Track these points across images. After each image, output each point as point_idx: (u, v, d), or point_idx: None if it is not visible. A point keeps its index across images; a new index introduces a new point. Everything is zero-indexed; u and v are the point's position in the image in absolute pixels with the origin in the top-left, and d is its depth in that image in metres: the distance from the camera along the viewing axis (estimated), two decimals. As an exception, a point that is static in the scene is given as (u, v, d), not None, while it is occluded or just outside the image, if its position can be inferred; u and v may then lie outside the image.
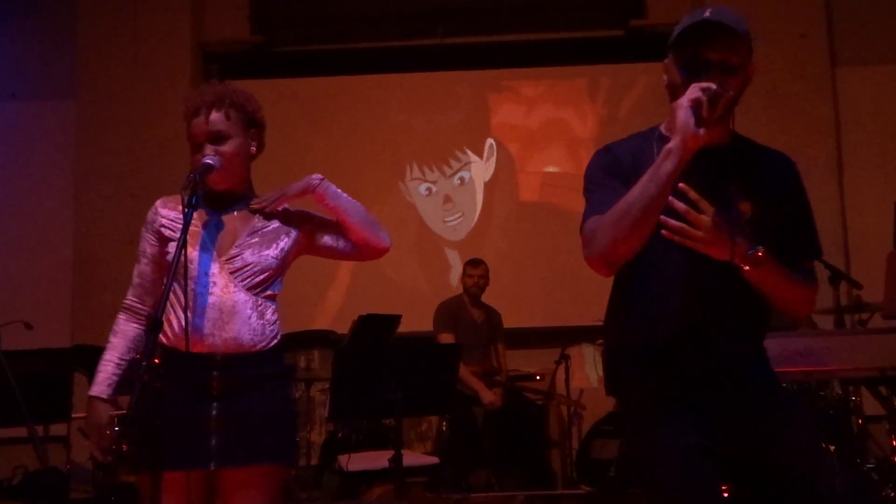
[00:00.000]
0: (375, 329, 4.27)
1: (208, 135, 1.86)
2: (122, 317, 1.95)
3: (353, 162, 5.58)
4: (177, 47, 5.49)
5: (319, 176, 1.98)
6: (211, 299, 1.82)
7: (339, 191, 1.99)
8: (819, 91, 5.10)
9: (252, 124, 1.96)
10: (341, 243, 2.00)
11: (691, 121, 1.45)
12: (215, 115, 1.87)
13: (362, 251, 2.01)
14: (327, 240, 2.00)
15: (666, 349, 1.60)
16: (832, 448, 3.46)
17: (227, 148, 1.88)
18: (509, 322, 4.89)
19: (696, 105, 1.45)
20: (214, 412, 1.80)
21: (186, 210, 1.75)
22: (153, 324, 1.64)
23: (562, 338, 4.91)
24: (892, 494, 3.41)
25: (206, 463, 1.78)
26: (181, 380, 1.80)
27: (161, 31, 5.48)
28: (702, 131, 1.45)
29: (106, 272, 5.12)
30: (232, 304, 1.82)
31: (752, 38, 1.56)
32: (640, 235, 1.51)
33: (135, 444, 1.68)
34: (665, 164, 1.47)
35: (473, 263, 4.70)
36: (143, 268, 1.94)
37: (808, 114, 5.10)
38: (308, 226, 1.99)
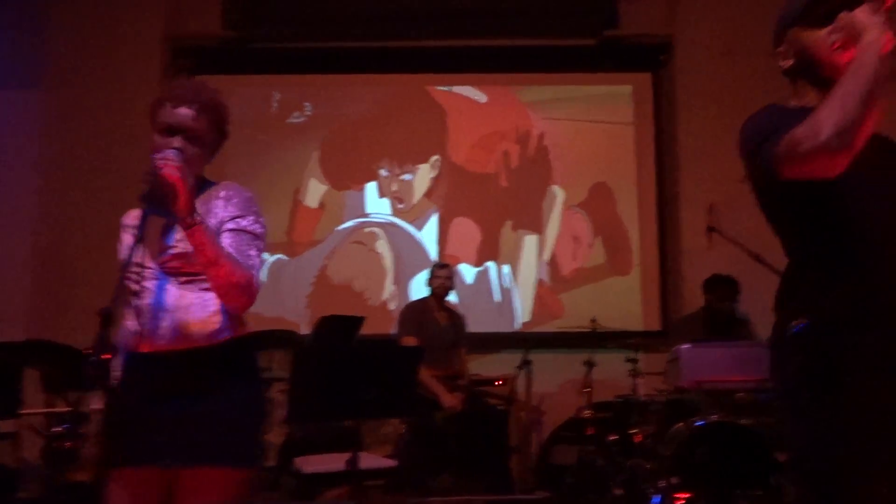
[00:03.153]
0: (338, 330, 4.24)
1: (186, 128, 1.85)
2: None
3: (323, 160, 5.57)
4: (148, 40, 5.42)
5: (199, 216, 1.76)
6: (156, 299, 1.80)
7: (211, 236, 1.78)
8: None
9: (220, 133, 1.96)
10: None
11: (877, 19, 1.44)
12: (199, 115, 1.87)
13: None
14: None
15: None
16: (785, 458, 3.53)
17: (195, 149, 1.87)
18: (472, 327, 4.91)
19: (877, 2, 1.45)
20: (172, 410, 1.77)
21: (144, 204, 1.72)
22: (106, 318, 1.61)
23: (524, 343, 4.94)
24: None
25: (160, 460, 1.76)
26: (137, 379, 1.78)
27: (132, 23, 5.40)
28: (881, 23, 1.43)
29: (68, 267, 5.04)
30: (174, 300, 1.81)
31: None
32: (869, 113, 1.38)
33: (96, 442, 1.64)
34: (865, 59, 1.41)
35: (440, 265, 4.71)
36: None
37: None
38: (217, 228, 1.88)
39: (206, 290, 1.85)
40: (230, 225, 1.86)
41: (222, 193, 1.91)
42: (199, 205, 1.89)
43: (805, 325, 1.47)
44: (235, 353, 1.87)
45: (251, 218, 1.89)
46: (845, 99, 1.39)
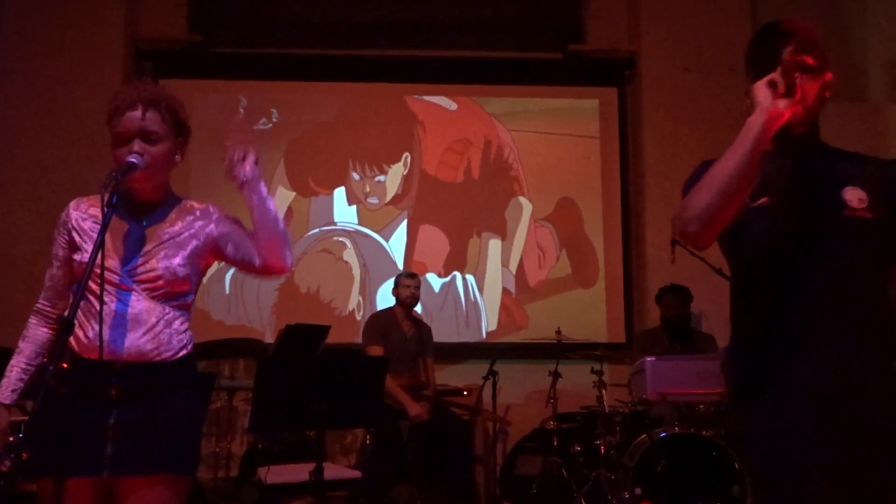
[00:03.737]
0: (303, 339, 4.21)
1: (141, 131, 1.82)
2: (32, 321, 1.91)
3: (289, 167, 5.52)
4: (108, 41, 5.32)
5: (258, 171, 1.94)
6: (116, 307, 1.76)
7: (268, 195, 1.94)
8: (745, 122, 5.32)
9: (181, 132, 1.92)
10: (241, 254, 1.93)
11: (769, 94, 1.55)
12: (151, 114, 1.83)
13: (263, 266, 1.92)
14: (230, 249, 1.93)
15: (817, 388, 1.57)
16: (746, 469, 3.58)
17: (156, 149, 1.83)
18: (438, 337, 4.90)
19: (771, 83, 1.56)
20: (112, 420, 1.75)
21: (106, 209, 1.69)
22: (63, 326, 1.58)
23: (490, 353, 4.95)
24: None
25: (100, 470, 1.73)
26: (82, 386, 1.75)
27: (92, 24, 5.30)
28: (781, 103, 1.54)
29: (19, 272, 4.91)
30: (137, 312, 1.78)
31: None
32: (729, 200, 1.54)
33: (35, 450, 1.61)
34: (748, 133, 1.55)
35: (408, 275, 4.69)
36: (54, 271, 1.90)
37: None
38: (218, 232, 1.93)
39: (175, 306, 1.84)
40: (225, 224, 1.94)
41: (197, 209, 1.94)
42: (174, 217, 1.87)
43: (730, 345, 1.71)
44: (187, 366, 1.87)
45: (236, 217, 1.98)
46: (713, 180, 1.55)
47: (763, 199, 1.64)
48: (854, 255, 1.60)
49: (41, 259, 4.82)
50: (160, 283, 1.81)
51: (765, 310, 1.64)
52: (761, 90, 1.56)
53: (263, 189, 1.93)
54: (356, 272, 5.48)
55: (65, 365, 1.50)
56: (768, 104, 1.55)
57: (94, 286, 1.76)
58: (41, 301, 1.90)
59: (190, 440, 1.85)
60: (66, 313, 1.65)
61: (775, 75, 1.56)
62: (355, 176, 5.56)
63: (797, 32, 1.67)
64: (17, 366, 1.85)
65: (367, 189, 5.56)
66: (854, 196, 1.62)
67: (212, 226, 1.93)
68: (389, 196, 5.56)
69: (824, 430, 1.53)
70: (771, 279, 1.64)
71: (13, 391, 1.83)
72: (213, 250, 1.93)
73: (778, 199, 1.64)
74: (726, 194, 1.53)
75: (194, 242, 1.89)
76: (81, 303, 1.74)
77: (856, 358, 1.57)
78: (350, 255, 5.50)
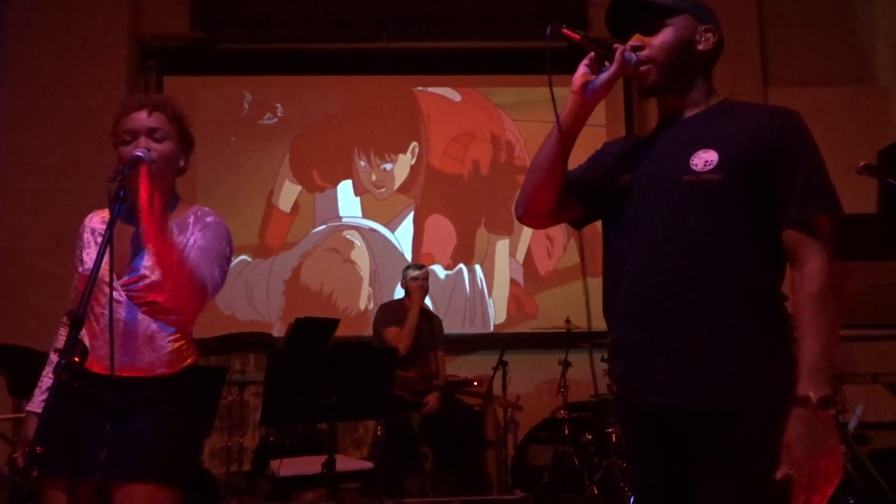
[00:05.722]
0: (312, 332, 4.22)
1: (147, 129, 1.83)
2: (61, 332, 1.95)
3: (294, 161, 5.53)
4: (113, 40, 5.32)
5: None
6: (114, 319, 1.76)
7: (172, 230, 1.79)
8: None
9: (185, 139, 1.93)
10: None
11: (578, 74, 1.61)
12: (158, 115, 1.85)
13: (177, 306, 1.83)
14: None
15: (620, 374, 1.57)
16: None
17: (162, 147, 1.84)
18: (447, 328, 4.90)
19: (590, 63, 1.62)
20: (108, 427, 1.79)
21: (113, 204, 1.68)
22: (74, 320, 1.58)
23: (500, 344, 4.95)
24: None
25: (93, 474, 1.77)
26: (82, 394, 1.77)
27: (97, 22, 5.31)
28: (579, 74, 1.60)
29: (31, 270, 4.93)
30: (134, 327, 1.79)
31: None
32: (544, 179, 1.61)
33: (47, 448, 1.63)
34: (561, 113, 1.60)
35: (416, 266, 4.70)
36: (75, 282, 1.94)
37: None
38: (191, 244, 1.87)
39: (174, 321, 1.84)
40: (200, 243, 1.85)
41: (198, 216, 1.91)
42: (172, 221, 1.86)
43: None
44: (185, 380, 1.87)
45: (223, 241, 1.89)
46: (531, 164, 1.65)
47: (625, 177, 1.60)
48: (701, 221, 1.45)
49: (49, 258, 4.85)
50: (156, 298, 1.81)
51: (606, 288, 1.61)
52: (577, 70, 1.59)
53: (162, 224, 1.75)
54: (364, 265, 5.48)
55: (76, 359, 1.51)
56: (574, 81, 1.58)
57: (98, 296, 1.78)
58: (68, 312, 1.91)
59: (179, 451, 1.85)
60: (77, 308, 1.65)
61: (588, 58, 1.60)
62: (362, 164, 5.55)
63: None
64: (47, 375, 1.88)
65: (374, 178, 5.56)
66: (701, 159, 1.48)
67: (191, 234, 1.89)
68: (397, 184, 5.56)
69: (627, 412, 1.57)
70: (614, 255, 1.58)
71: (43, 401, 1.86)
72: None
73: (634, 173, 1.58)
74: (537, 177, 1.60)
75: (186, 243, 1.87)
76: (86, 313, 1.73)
77: (670, 332, 1.45)
78: (358, 248, 5.50)
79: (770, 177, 1.45)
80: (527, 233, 5.53)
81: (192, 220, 1.90)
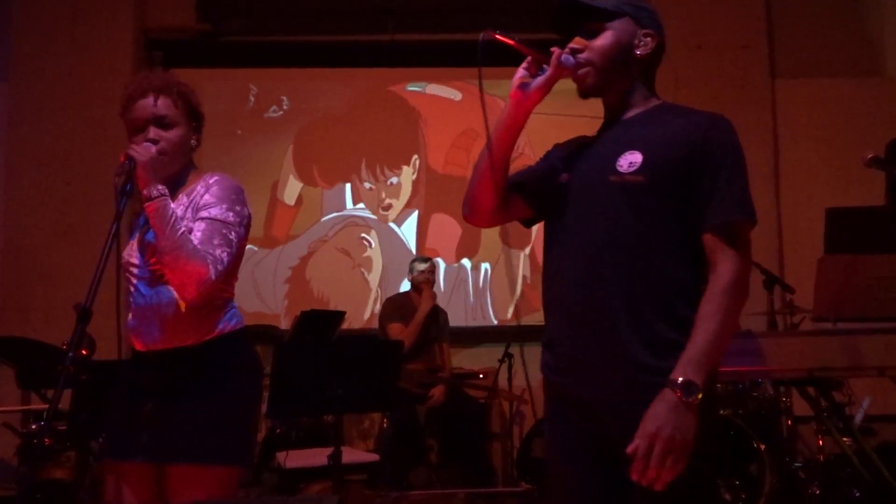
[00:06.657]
0: (318, 325, 4.23)
1: (155, 118, 1.82)
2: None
3: (297, 157, 5.53)
4: (118, 32, 5.32)
5: (162, 190, 1.76)
6: (139, 297, 1.79)
7: (171, 217, 1.74)
8: (759, 101, 5.25)
9: (195, 117, 1.92)
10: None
11: (516, 77, 1.66)
12: (164, 101, 1.83)
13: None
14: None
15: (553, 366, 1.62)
16: (763, 447, 3.58)
17: (171, 134, 1.84)
18: (453, 321, 4.90)
19: (529, 66, 1.66)
20: (149, 408, 1.77)
21: (120, 198, 1.70)
22: (81, 314, 1.59)
23: (505, 336, 4.94)
24: (818, 492, 3.54)
25: (135, 456, 1.76)
26: (131, 376, 1.79)
27: (102, 15, 5.30)
28: (517, 76, 1.66)
29: (36, 263, 4.94)
30: (158, 299, 1.79)
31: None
32: (482, 181, 1.64)
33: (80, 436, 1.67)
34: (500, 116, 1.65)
35: (422, 259, 4.70)
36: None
37: (748, 122, 5.23)
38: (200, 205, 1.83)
39: None
40: (203, 213, 1.80)
41: (206, 180, 1.86)
42: (182, 192, 1.86)
43: None
44: (223, 350, 1.83)
45: (225, 206, 1.81)
46: (474, 166, 1.69)
47: (563, 176, 1.63)
48: (623, 221, 1.49)
49: (56, 250, 4.87)
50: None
51: (543, 283, 1.66)
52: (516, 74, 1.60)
53: (165, 210, 1.74)
54: (370, 258, 5.48)
55: (84, 352, 1.52)
56: (512, 83, 1.60)
57: (126, 279, 1.80)
58: (75, 305, 1.91)
59: (234, 428, 1.80)
60: (85, 302, 1.66)
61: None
62: (367, 185, 5.53)
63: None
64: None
65: (382, 195, 5.53)
66: (626, 160, 1.52)
67: (198, 203, 1.83)
68: (402, 200, 5.53)
69: (553, 401, 1.63)
70: (551, 252, 1.64)
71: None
72: None
73: (571, 173, 1.62)
74: (476, 179, 1.64)
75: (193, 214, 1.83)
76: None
77: (594, 332, 1.51)
78: (363, 241, 5.50)
79: (693, 181, 1.48)
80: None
81: (200, 188, 1.85)
